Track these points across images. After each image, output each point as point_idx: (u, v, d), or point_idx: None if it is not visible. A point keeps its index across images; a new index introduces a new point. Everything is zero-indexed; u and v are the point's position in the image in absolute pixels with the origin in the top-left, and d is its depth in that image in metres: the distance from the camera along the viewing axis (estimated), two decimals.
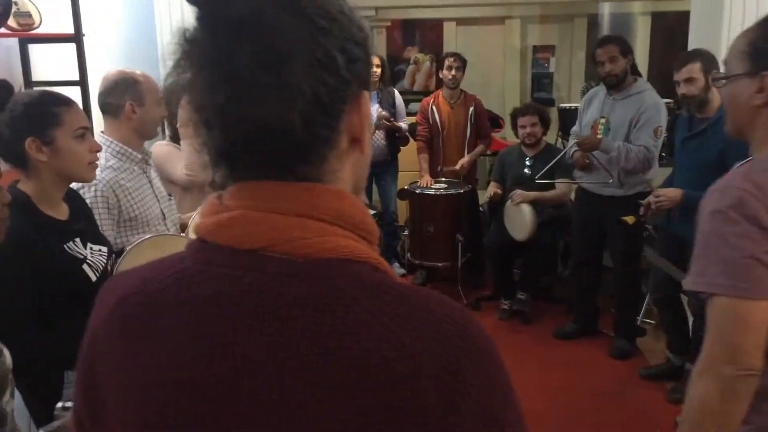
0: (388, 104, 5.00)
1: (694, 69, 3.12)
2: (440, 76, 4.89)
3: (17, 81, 3.23)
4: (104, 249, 1.83)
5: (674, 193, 3.14)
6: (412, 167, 5.98)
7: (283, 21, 0.63)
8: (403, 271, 5.21)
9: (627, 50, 3.69)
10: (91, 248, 1.80)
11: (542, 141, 4.48)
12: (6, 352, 1.23)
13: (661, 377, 3.61)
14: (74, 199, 1.89)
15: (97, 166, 1.84)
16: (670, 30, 8.01)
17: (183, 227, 2.48)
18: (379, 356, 0.60)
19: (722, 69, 1.46)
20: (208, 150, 0.69)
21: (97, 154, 1.83)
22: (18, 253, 1.57)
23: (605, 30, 8.37)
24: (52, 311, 1.62)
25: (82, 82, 3.27)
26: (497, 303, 4.67)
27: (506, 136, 6.81)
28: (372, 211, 4.03)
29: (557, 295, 4.75)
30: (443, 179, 4.84)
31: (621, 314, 3.97)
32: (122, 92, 2.25)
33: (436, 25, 8.19)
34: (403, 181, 5.46)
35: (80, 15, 3.17)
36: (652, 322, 4.18)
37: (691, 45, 3.84)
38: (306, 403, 0.61)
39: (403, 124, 5.11)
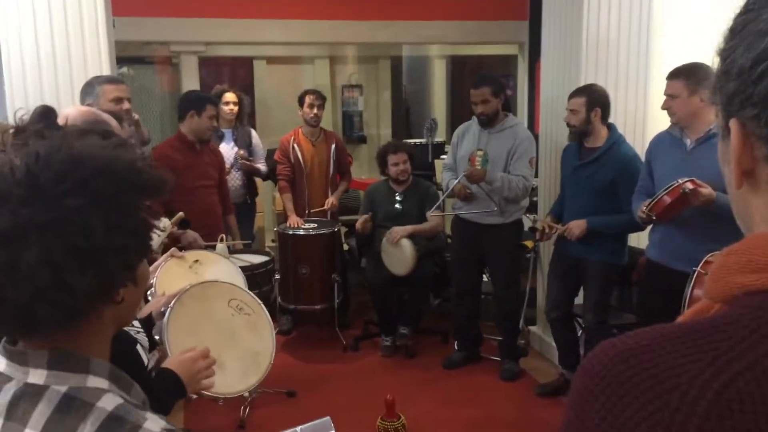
0: (245, 143, 4.76)
1: (577, 102, 3.45)
2: (300, 114, 4.77)
3: None
4: (136, 323, 1.47)
5: (580, 223, 3.47)
6: (257, 208, 5.73)
7: None
8: None
9: (499, 91, 3.93)
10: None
11: (410, 177, 4.58)
12: None
13: (557, 392, 3.85)
14: None
15: None
16: (465, 71, 8.77)
17: None
18: None
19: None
20: None
21: None
22: None
23: (406, 71, 8.90)
24: None
25: None
26: (373, 341, 4.64)
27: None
28: (266, 258, 3.75)
29: (430, 325, 4.84)
30: (312, 219, 4.70)
31: (507, 337, 4.17)
32: None
33: (246, 63, 8.02)
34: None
35: None
36: (523, 341, 4.45)
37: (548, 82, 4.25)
38: None
39: (262, 166, 4.90)
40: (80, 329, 0.86)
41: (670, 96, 2.99)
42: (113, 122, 2.19)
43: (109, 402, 0.84)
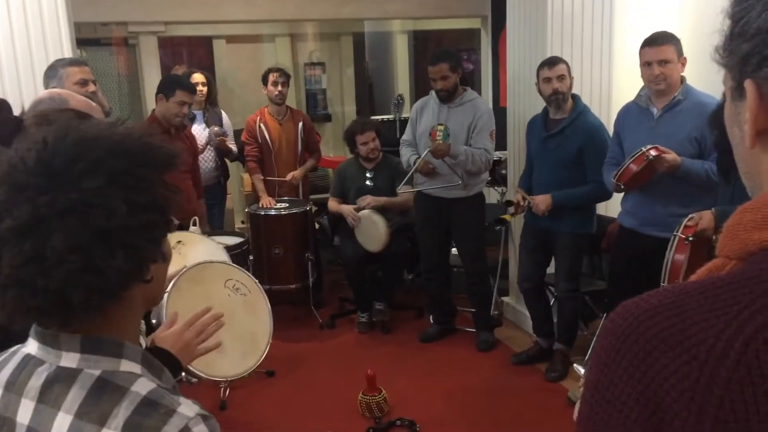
0: (216, 125, 4.70)
1: (563, 68, 3.47)
2: (265, 92, 4.71)
3: None
4: None
5: (545, 198, 3.51)
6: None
7: None
8: None
9: (456, 65, 3.93)
10: None
11: (380, 154, 4.58)
12: None
13: (532, 360, 3.93)
14: None
15: None
16: (428, 46, 8.75)
17: None
18: None
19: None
20: None
21: None
22: None
23: (369, 47, 8.84)
24: None
25: None
26: (349, 318, 4.67)
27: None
28: (241, 239, 3.73)
29: (404, 300, 4.88)
30: (284, 199, 4.67)
31: (479, 309, 4.24)
32: None
33: (206, 42, 7.87)
34: None
35: None
36: (497, 312, 4.53)
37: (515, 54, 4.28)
38: None
39: (233, 147, 4.85)
40: (113, 312, 0.86)
41: (664, 61, 2.96)
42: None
43: (143, 386, 0.85)
